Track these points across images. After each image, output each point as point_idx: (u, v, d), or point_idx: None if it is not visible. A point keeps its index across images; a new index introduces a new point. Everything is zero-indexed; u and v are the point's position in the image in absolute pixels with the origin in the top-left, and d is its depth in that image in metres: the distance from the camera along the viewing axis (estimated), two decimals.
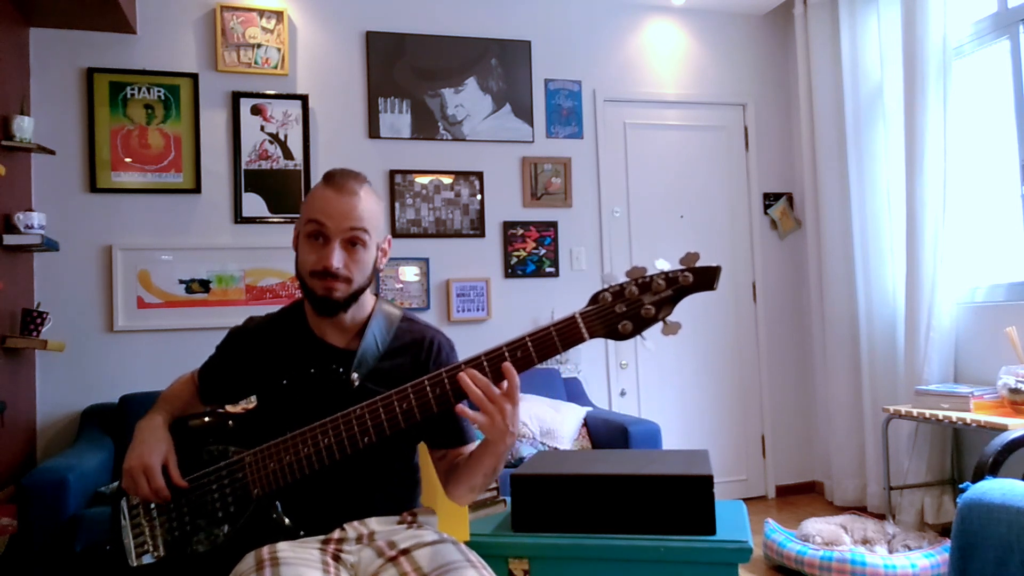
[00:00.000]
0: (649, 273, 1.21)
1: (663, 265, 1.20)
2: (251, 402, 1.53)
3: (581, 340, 1.22)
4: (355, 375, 1.40)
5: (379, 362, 1.44)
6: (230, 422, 1.47)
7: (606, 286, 1.22)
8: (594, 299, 1.22)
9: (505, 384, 1.25)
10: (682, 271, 1.19)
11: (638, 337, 1.22)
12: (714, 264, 1.18)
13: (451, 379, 1.27)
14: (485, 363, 1.26)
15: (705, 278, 1.18)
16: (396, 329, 1.50)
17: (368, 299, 1.50)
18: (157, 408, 1.52)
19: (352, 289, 1.40)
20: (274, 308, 1.60)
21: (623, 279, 1.21)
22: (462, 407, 1.27)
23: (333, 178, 1.42)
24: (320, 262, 1.37)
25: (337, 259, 1.37)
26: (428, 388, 1.28)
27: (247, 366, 1.51)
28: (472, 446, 1.46)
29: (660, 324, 1.20)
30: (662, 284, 1.19)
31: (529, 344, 1.24)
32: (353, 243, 1.39)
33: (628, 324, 1.20)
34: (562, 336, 1.22)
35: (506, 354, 1.25)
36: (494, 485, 2.07)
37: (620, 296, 1.20)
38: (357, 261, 1.39)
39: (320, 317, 1.45)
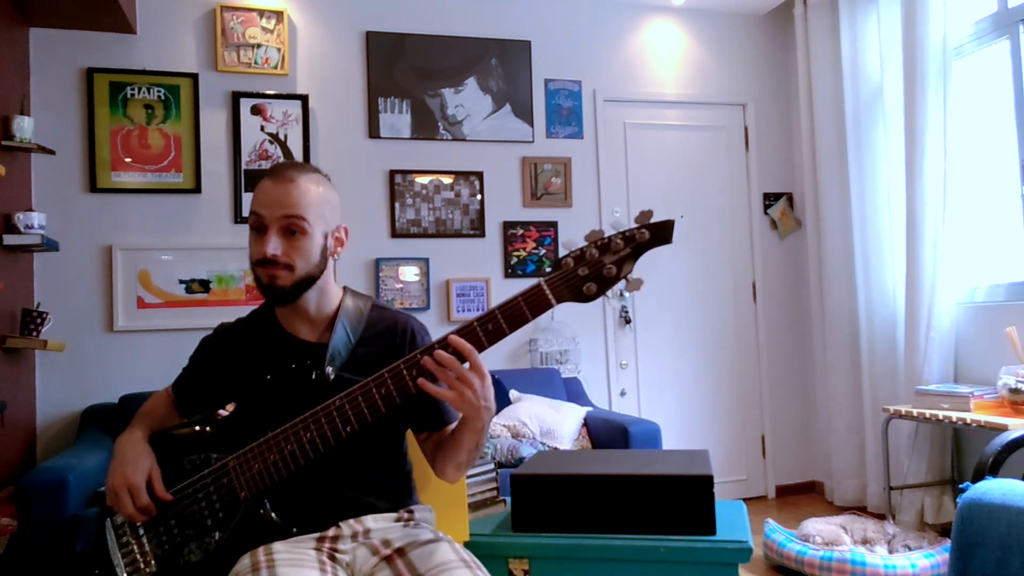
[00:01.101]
0: (607, 234, 1.24)
1: (619, 225, 1.24)
2: (227, 409, 1.53)
3: (549, 306, 1.25)
4: (329, 368, 1.40)
5: (352, 352, 1.45)
6: (208, 428, 1.46)
7: (567, 252, 1.25)
8: (556, 265, 1.25)
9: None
10: (638, 228, 1.23)
11: (605, 299, 1.26)
12: (668, 218, 1.23)
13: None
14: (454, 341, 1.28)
15: (661, 233, 1.22)
16: (367, 318, 1.50)
17: (334, 291, 1.50)
18: (135, 424, 1.50)
19: (296, 276, 1.40)
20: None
21: (583, 243, 1.25)
22: (423, 380, 1.27)
23: (272, 169, 1.44)
24: (259, 251, 1.38)
25: (272, 246, 1.37)
26: (404, 371, 1.29)
27: (222, 371, 1.51)
28: (454, 425, 1.47)
29: (623, 282, 1.24)
30: (620, 243, 1.23)
31: (499, 315, 1.26)
32: (291, 231, 1.39)
33: (592, 286, 1.23)
34: (530, 304, 1.25)
35: (476, 327, 1.27)
36: (494, 485, 2.07)
37: (582, 260, 1.23)
38: (297, 248, 1.39)
39: (280, 309, 1.46)
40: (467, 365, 1.28)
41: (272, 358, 1.45)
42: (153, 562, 1.39)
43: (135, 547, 1.41)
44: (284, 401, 1.39)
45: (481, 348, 1.28)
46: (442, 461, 1.46)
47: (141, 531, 1.41)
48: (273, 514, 1.36)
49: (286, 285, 1.39)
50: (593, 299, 1.24)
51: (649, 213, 1.23)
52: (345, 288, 1.54)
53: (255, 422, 1.39)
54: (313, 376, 1.41)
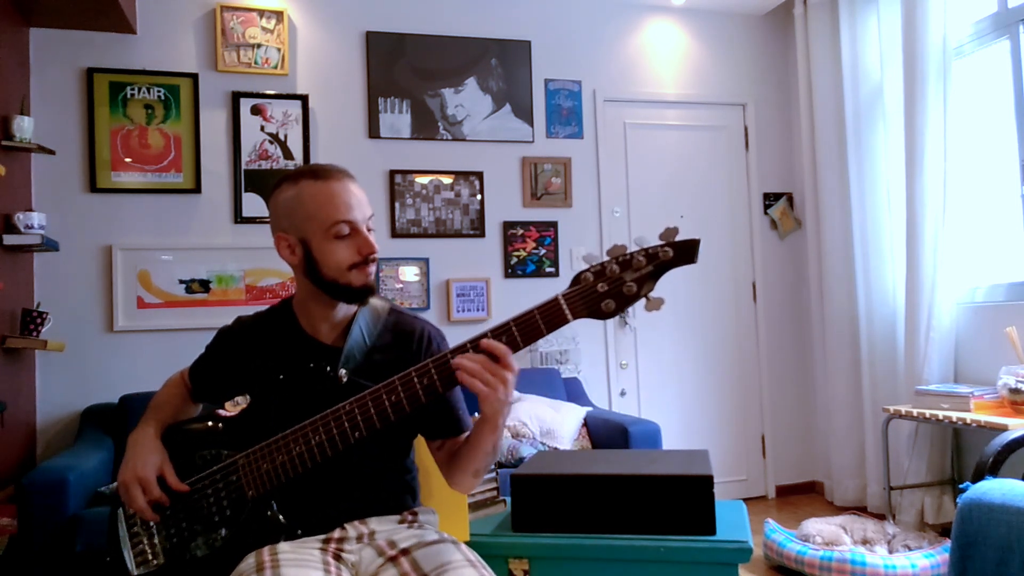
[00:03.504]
0: (629, 250, 1.19)
1: (643, 242, 1.20)
2: (238, 404, 1.53)
3: (565, 322, 1.21)
4: (342, 371, 1.40)
5: (368, 356, 1.44)
6: (220, 425, 1.46)
7: (587, 266, 1.21)
8: (576, 280, 1.21)
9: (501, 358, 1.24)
10: (662, 246, 1.18)
11: (625, 317, 1.23)
12: (693, 237, 1.17)
13: (438, 368, 1.25)
14: (470, 349, 1.25)
15: (685, 252, 1.18)
16: (384, 322, 1.49)
17: None
18: (148, 418, 1.51)
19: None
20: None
21: (604, 258, 1.20)
22: (463, 375, 1.22)
23: (330, 174, 1.40)
24: (361, 251, 1.38)
25: (375, 241, 1.41)
26: (416, 379, 1.27)
27: (238, 365, 1.51)
28: (468, 433, 1.46)
29: (643, 300, 1.19)
30: (642, 260, 1.18)
31: (513, 328, 1.22)
32: (369, 230, 1.42)
33: (611, 303, 1.18)
34: (546, 318, 1.21)
35: (490, 338, 1.25)
36: (494, 485, 2.07)
37: (601, 275, 1.19)
38: None
39: (302, 308, 1.47)
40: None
41: (287, 357, 1.45)
42: (161, 553, 1.40)
43: (144, 538, 1.42)
44: (296, 401, 1.39)
45: None
46: (458, 468, 1.44)
47: (151, 523, 1.42)
48: (280, 515, 1.37)
49: (373, 283, 1.43)
50: (611, 317, 1.19)
51: (675, 230, 1.18)
52: None
53: (266, 420, 1.39)
54: (325, 377, 1.40)
